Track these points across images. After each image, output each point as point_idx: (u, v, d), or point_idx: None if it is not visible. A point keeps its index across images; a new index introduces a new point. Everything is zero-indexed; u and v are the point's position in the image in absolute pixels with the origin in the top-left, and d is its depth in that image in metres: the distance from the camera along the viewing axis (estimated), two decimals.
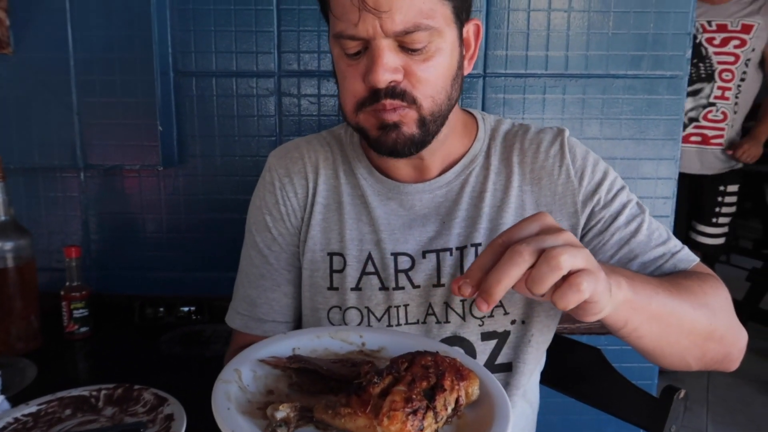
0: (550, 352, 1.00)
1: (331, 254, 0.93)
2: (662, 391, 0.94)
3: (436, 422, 0.54)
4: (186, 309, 1.45)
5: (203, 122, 1.48)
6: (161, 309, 1.44)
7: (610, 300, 0.62)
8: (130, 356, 1.28)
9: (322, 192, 0.95)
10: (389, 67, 0.75)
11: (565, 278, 0.57)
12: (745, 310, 3.16)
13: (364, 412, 0.52)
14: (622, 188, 0.90)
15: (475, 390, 0.62)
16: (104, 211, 1.51)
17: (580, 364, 1.10)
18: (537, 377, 1.03)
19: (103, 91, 1.41)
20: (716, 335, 0.78)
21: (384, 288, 0.92)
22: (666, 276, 0.84)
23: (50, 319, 1.31)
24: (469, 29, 0.85)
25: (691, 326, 0.76)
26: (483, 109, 1.46)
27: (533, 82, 1.44)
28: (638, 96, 1.43)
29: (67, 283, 1.32)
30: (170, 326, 1.42)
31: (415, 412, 0.52)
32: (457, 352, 0.69)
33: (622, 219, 0.88)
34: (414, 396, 0.53)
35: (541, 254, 0.57)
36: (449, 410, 0.57)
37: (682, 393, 0.92)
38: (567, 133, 0.93)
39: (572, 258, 0.56)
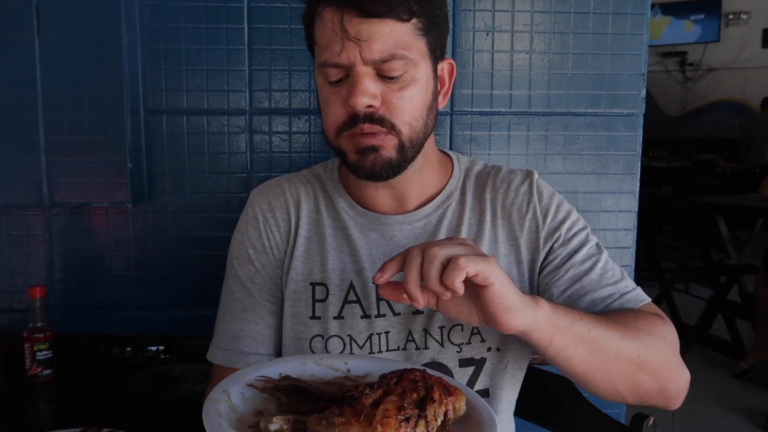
0: (523, 382, 1.01)
1: (313, 284, 0.95)
2: (632, 419, 0.95)
3: (428, 431, 0.55)
4: (154, 348, 1.42)
5: (174, 159, 1.47)
6: (128, 349, 1.40)
7: (514, 292, 0.70)
8: (96, 399, 1.24)
9: (305, 225, 0.97)
10: (368, 92, 0.80)
11: None
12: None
13: (358, 420, 0.52)
14: (582, 229, 0.95)
15: (462, 406, 0.63)
16: (70, 250, 1.48)
17: (552, 395, 1.11)
18: (512, 408, 1.04)
19: (72, 129, 1.39)
20: (647, 367, 0.81)
21: (366, 316, 0.93)
22: (604, 313, 0.87)
23: (12, 362, 1.26)
24: (443, 67, 0.91)
25: (617, 353, 0.79)
26: (450, 146, 1.50)
27: (498, 120, 1.50)
28: (598, 133, 1.50)
29: (31, 324, 1.27)
30: (138, 366, 1.38)
31: (407, 420, 0.53)
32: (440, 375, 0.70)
33: (578, 257, 0.92)
34: (406, 405, 0.54)
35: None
36: (438, 422, 0.58)
37: (651, 420, 0.93)
38: (536, 175, 0.99)
39: (444, 249, 0.68)
